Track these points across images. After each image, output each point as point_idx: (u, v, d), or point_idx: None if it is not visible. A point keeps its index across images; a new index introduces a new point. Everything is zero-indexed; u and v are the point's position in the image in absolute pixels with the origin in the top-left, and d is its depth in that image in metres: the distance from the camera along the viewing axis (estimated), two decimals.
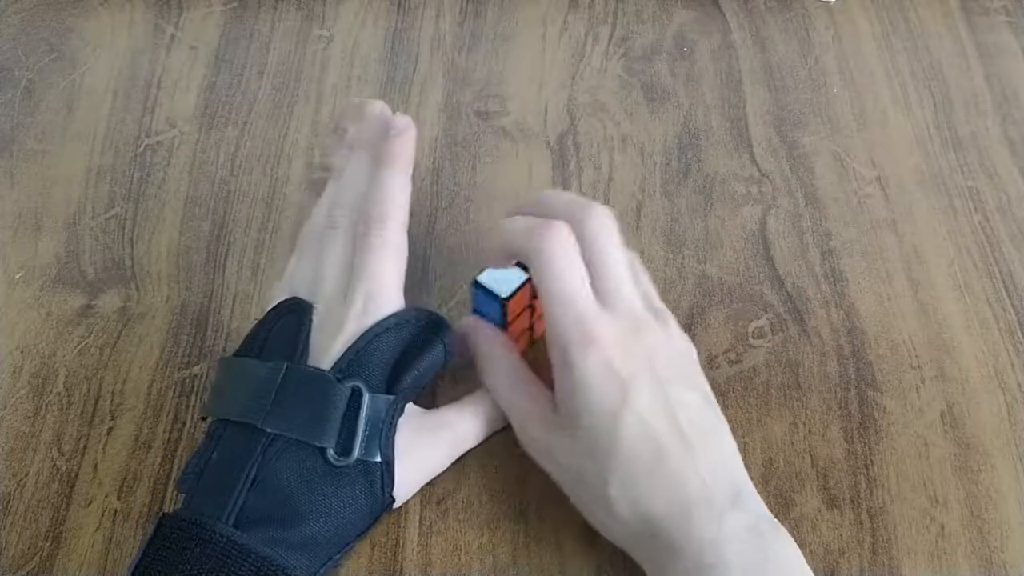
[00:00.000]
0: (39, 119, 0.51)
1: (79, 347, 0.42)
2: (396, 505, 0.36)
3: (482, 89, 0.52)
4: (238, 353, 0.36)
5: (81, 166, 0.49)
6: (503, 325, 0.38)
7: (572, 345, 0.33)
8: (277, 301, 0.37)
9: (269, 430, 0.33)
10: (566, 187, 0.48)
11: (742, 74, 0.53)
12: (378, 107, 0.40)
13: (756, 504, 0.33)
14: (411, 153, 0.39)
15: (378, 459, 0.34)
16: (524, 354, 0.40)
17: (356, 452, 0.33)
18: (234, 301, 0.44)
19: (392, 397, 0.34)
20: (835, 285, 0.45)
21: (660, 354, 0.34)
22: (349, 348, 0.34)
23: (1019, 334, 0.43)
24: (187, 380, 0.41)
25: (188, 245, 0.46)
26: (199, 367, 0.42)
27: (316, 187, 0.48)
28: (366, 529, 0.35)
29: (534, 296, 0.38)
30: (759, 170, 0.49)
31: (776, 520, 0.33)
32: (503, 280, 0.37)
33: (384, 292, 0.36)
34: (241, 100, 0.52)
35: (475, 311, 0.39)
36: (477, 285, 0.37)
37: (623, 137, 0.50)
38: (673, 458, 0.32)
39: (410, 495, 0.37)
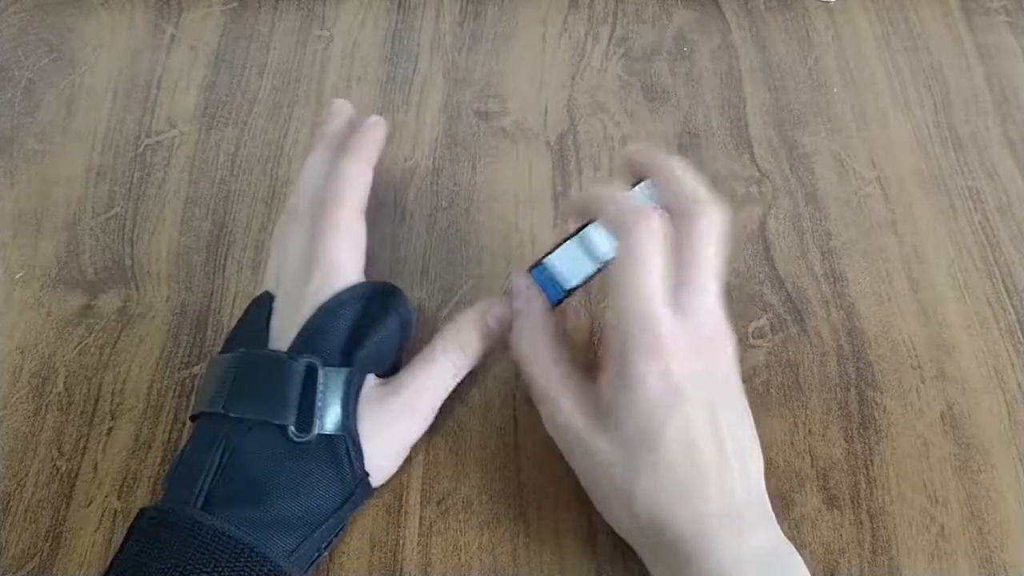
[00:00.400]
0: (39, 119, 0.51)
1: (79, 347, 0.42)
2: (376, 483, 0.36)
3: (482, 89, 0.52)
4: (220, 352, 0.37)
5: (81, 166, 0.49)
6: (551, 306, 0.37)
7: (635, 346, 0.32)
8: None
9: (232, 415, 0.33)
10: (566, 187, 0.48)
11: (742, 74, 0.53)
12: (345, 107, 0.41)
13: (776, 530, 0.33)
14: (374, 147, 0.40)
15: (339, 432, 0.34)
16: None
17: (316, 427, 0.33)
18: (234, 301, 0.44)
19: (350, 369, 0.35)
20: (835, 285, 0.45)
21: (720, 372, 0.34)
22: (303, 326, 0.35)
23: (1019, 334, 0.43)
24: (187, 380, 0.41)
25: (188, 245, 0.46)
26: (199, 367, 0.42)
27: None
28: (341, 506, 0.34)
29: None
30: (759, 170, 0.49)
31: (792, 546, 0.32)
32: (571, 265, 0.36)
33: (338, 270, 0.36)
34: (241, 100, 0.52)
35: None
36: (542, 269, 0.36)
37: (623, 137, 0.50)
38: (708, 473, 0.32)
39: (391, 470, 0.37)
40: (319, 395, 0.33)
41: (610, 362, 0.33)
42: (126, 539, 0.32)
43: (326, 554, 0.36)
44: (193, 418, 0.36)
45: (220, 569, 0.30)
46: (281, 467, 0.33)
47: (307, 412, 0.33)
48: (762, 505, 0.33)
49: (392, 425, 0.36)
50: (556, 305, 0.37)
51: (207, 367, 0.37)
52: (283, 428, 0.33)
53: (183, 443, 0.39)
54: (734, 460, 0.32)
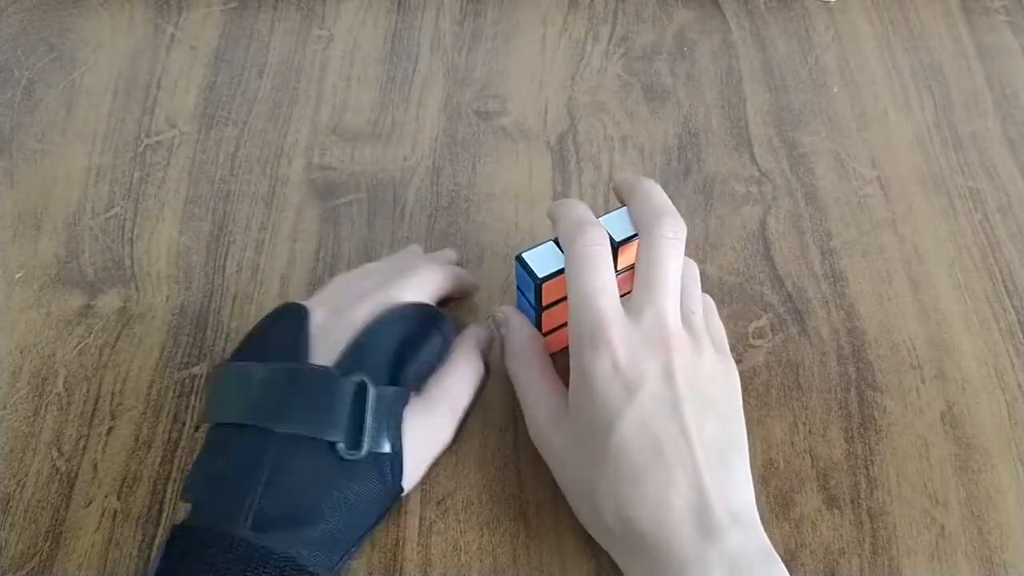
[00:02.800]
0: (39, 119, 0.51)
1: (79, 347, 0.42)
2: (407, 489, 0.36)
3: (482, 89, 0.52)
4: (235, 358, 0.37)
5: (81, 166, 0.49)
6: (537, 308, 0.38)
7: (583, 343, 0.34)
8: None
9: (279, 430, 0.33)
10: (566, 187, 0.48)
11: (742, 74, 0.53)
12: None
13: (756, 535, 0.32)
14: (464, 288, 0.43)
15: (387, 450, 0.34)
16: (556, 351, 0.40)
17: (366, 445, 0.33)
18: (234, 301, 0.44)
19: (398, 388, 0.35)
20: (835, 285, 0.45)
21: (681, 370, 0.33)
22: (350, 344, 0.35)
23: (1019, 334, 0.43)
24: (187, 380, 0.41)
25: (188, 245, 0.46)
26: (199, 367, 0.42)
27: (316, 187, 0.48)
28: (380, 520, 0.35)
29: None
30: (759, 170, 0.49)
31: (774, 555, 0.31)
32: (545, 261, 0.37)
33: (393, 299, 0.37)
34: (241, 100, 0.52)
35: (517, 288, 0.40)
36: (520, 260, 0.37)
37: (623, 137, 0.50)
38: (670, 467, 0.32)
39: (418, 480, 0.37)
40: (369, 414, 0.33)
41: (571, 368, 0.35)
42: (167, 554, 0.31)
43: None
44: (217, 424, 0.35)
45: None
46: (331, 485, 0.33)
47: (356, 430, 0.33)
48: (743, 504, 0.32)
49: (428, 439, 0.37)
50: (540, 310, 0.38)
51: (219, 375, 0.36)
52: (332, 445, 0.33)
53: (189, 444, 0.39)
54: (701, 455, 0.32)
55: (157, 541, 0.36)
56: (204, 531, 0.31)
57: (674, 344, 0.34)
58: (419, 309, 0.37)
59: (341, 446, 0.33)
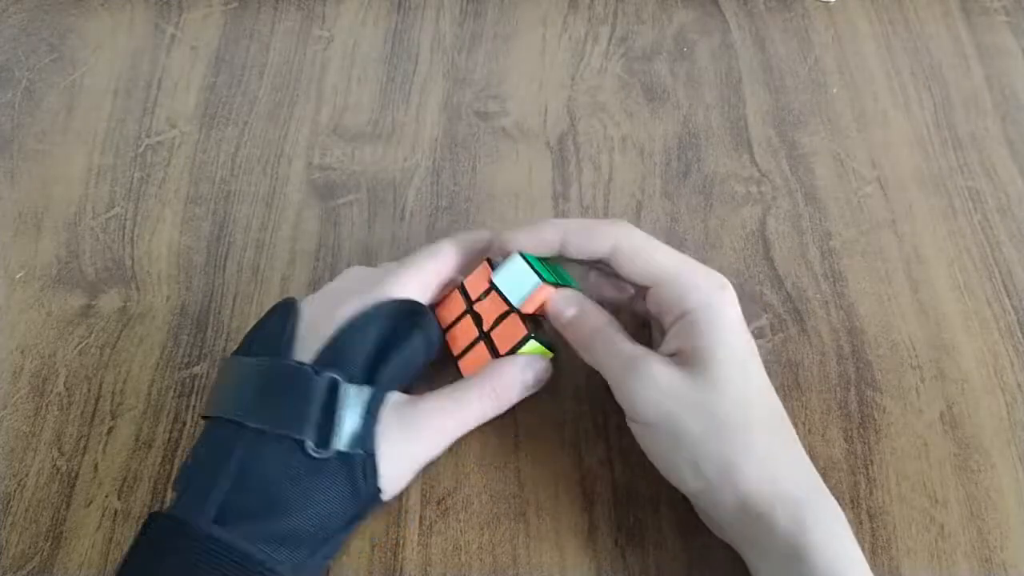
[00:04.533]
0: (39, 119, 0.51)
1: (79, 347, 0.42)
2: (386, 497, 0.35)
3: (482, 89, 0.52)
4: (235, 353, 0.37)
5: (81, 166, 0.49)
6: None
7: (714, 286, 0.34)
8: None
9: (250, 425, 0.33)
10: (566, 187, 0.48)
11: (742, 74, 0.53)
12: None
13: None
14: (473, 249, 0.39)
15: (359, 451, 0.34)
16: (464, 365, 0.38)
17: (335, 443, 0.33)
18: (234, 301, 0.44)
19: (370, 388, 0.34)
20: (835, 285, 0.45)
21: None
22: (329, 341, 0.35)
23: (1019, 334, 0.43)
24: (187, 380, 0.41)
25: (188, 245, 0.46)
26: (199, 367, 0.42)
27: (316, 187, 0.48)
28: (351, 521, 0.34)
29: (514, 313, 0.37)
30: (759, 170, 0.49)
31: None
32: (517, 284, 0.36)
33: (376, 296, 0.36)
34: (241, 100, 0.52)
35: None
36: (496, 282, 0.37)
37: (623, 137, 0.50)
38: (795, 440, 0.34)
39: (401, 487, 0.36)
40: (339, 412, 0.33)
41: (692, 316, 0.34)
42: (136, 541, 0.32)
43: (331, 564, 0.36)
44: (206, 417, 0.36)
45: None
46: (297, 483, 0.33)
47: (326, 428, 0.33)
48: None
49: (410, 445, 0.35)
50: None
51: (222, 366, 0.37)
52: (301, 443, 0.33)
53: (190, 444, 0.39)
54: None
55: None
56: (170, 520, 0.31)
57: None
58: (401, 306, 0.36)
59: (310, 444, 0.33)
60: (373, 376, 0.35)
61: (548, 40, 0.55)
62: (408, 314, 0.36)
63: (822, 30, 0.56)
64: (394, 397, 0.36)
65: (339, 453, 0.33)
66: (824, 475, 0.38)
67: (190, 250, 0.46)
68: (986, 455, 0.40)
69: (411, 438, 0.35)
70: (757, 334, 0.43)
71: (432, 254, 0.38)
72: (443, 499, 0.38)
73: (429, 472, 0.39)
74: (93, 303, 0.44)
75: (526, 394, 0.38)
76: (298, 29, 0.55)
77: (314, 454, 0.33)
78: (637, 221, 0.47)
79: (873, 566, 0.36)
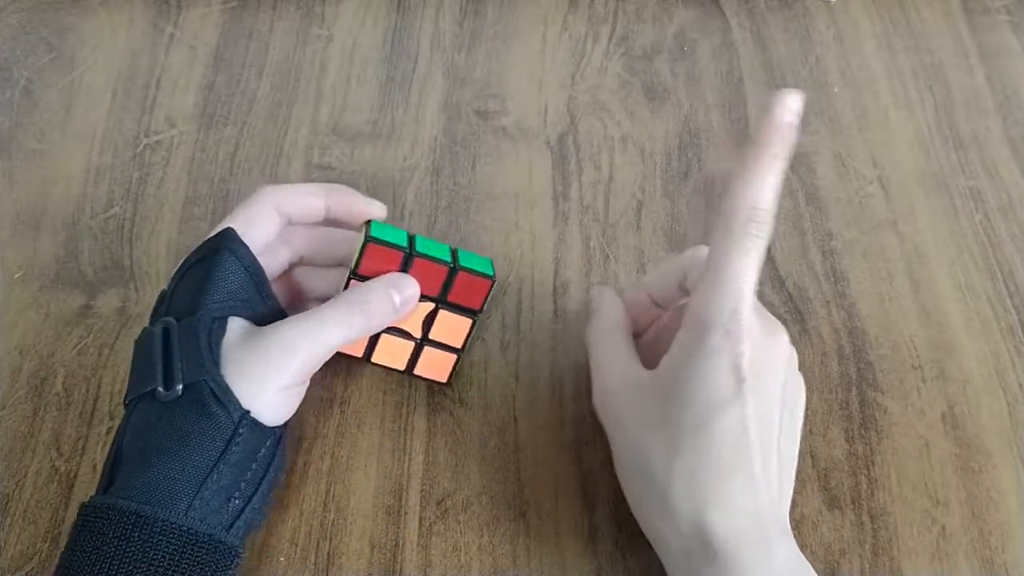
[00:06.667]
0: (38, 119, 0.51)
1: (78, 347, 0.42)
2: (269, 421, 0.35)
3: (482, 89, 0.52)
4: None
5: (80, 166, 0.49)
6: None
7: (716, 322, 0.32)
8: None
9: (127, 400, 0.35)
10: (566, 187, 0.48)
11: (743, 74, 0.53)
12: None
13: (793, 545, 0.32)
14: (355, 198, 0.40)
15: (199, 379, 0.33)
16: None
17: (179, 380, 0.34)
18: None
19: (195, 317, 0.35)
20: (836, 285, 0.45)
21: (785, 375, 0.33)
22: (163, 294, 0.37)
23: (1020, 334, 0.43)
24: None
25: (187, 245, 0.46)
26: None
27: None
28: (226, 448, 0.33)
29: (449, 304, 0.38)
30: None
31: (807, 562, 0.32)
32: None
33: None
34: (240, 100, 0.52)
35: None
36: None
37: (623, 137, 0.50)
38: (752, 470, 0.31)
39: (279, 410, 0.36)
40: (175, 350, 0.34)
41: (683, 339, 0.33)
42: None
43: (261, 513, 0.35)
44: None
45: (123, 543, 0.31)
46: (153, 429, 0.33)
47: (170, 370, 0.34)
48: (786, 521, 0.33)
49: (260, 364, 0.35)
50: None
51: None
52: (154, 392, 0.34)
53: None
54: (774, 472, 0.32)
55: None
56: (80, 507, 0.33)
57: (781, 333, 0.34)
58: (208, 241, 0.37)
59: (160, 391, 0.34)
60: (196, 308, 0.35)
61: (548, 39, 0.55)
62: (215, 240, 0.37)
63: (823, 29, 0.56)
64: (239, 324, 0.36)
65: (186, 388, 0.34)
66: (825, 475, 0.39)
67: (189, 250, 0.45)
68: (987, 456, 0.39)
69: (258, 357, 0.35)
70: None
71: (258, 196, 0.38)
72: (443, 500, 0.38)
73: (429, 472, 0.38)
74: (92, 303, 0.44)
75: (394, 318, 0.37)
76: (297, 28, 0.55)
77: (164, 399, 0.34)
78: (637, 220, 0.47)
79: (874, 567, 0.36)
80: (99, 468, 0.38)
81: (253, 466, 0.35)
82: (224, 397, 0.33)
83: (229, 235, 0.36)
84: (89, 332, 0.43)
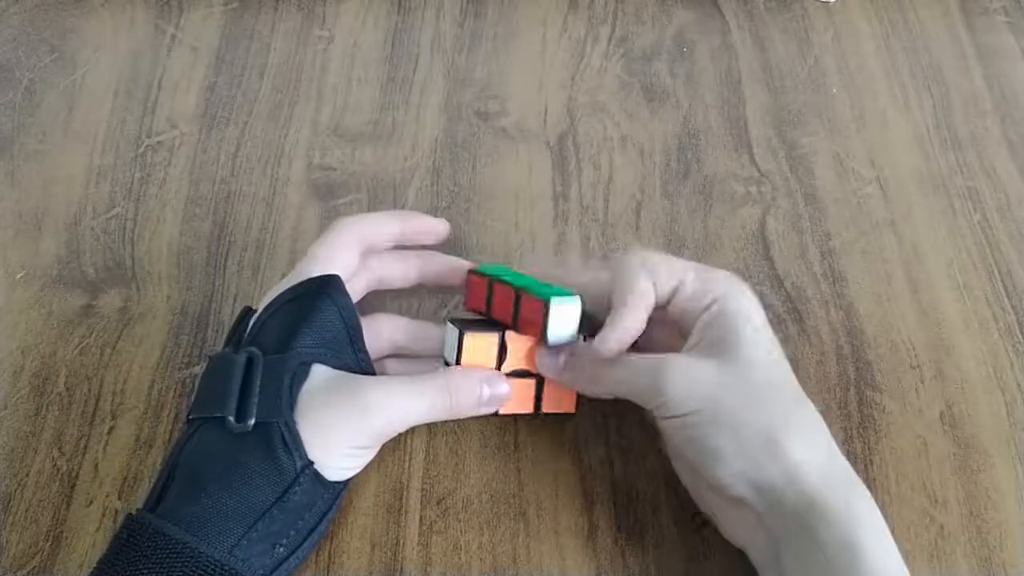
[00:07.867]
0: (40, 119, 0.51)
1: (80, 347, 0.42)
2: (330, 476, 0.34)
3: (482, 89, 0.52)
4: None
5: (82, 166, 0.49)
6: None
7: (731, 277, 0.36)
8: None
9: (191, 416, 0.35)
10: (566, 187, 0.48)
11: (742, 74, 0.53)
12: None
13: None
14: (423, 229, 0.42)
15: (273, 419, 0.33)
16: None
17: (253, 416, 0.33)
18: (234, 301, 0.44)
19: (284, 356, 0.35)
20: (834, 285, 0.45)
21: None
22: (254, 322, 0.37)
23: (1018, 334, 0.43)
24: (187, 380, 0.41)
25: (189, 245, 0.46)
26: (199, 367, 0.42)
27: (316, 187, 0.48)
28: (282, 496, 0.33)
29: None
30: (759, 170, 0.49)
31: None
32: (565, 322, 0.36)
33: (307, 272, 0.37)
34: (241, 100, 0.52)
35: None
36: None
37: (623, 137, 0.50)
38: (814, 414, 0.34)
39: (344, 466, 0.35)
40: (255, 384, 0.34)
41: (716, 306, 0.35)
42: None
43: (297, 557, 0.34)
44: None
45: (163, 570, 0.30)
46: (215, 459, 0.33)
47: (245, 402, 0.34)
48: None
49: (336, 419, 0.35)
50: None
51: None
52: (223, 420, 0.34)
53: None
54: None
55: None
56: (125, 517, 0.33)
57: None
58: (311, 282, 0.37)
59: (230, 419, 0.33)
60: (286, 348, 0.35)
61: (548, 40, 0.55)
62: (316, 285, 0.37)
63: (822, 30, 0.56)
64: (323, 371, 0.35)
65: (257, 425, 0.33)
66: None
67: (190, 250, 0.46)
68: (985, 455, 0.40)
69: (336, 414, 0.35)
70: None
71: (339, 228, 0.39)
72: (443, 499, 0.38)
73: (429, 472, 0.39)
74: (93, 303, 0.44)
75: (479, 409, 0.37)
76: (298, 29, 0.55)
77: (234, 429, 0.33)
78: (637, 221, 0.47)
79: None
80: (100, 467, 0.39)
81: (307, 515, 0.34)
82: (292, 444, 0.33)
83: (334, 283, 0.36)
84: (91, 332, 0.43)
